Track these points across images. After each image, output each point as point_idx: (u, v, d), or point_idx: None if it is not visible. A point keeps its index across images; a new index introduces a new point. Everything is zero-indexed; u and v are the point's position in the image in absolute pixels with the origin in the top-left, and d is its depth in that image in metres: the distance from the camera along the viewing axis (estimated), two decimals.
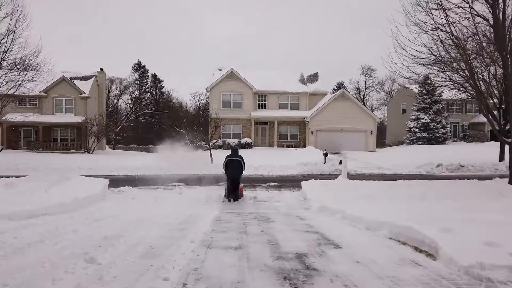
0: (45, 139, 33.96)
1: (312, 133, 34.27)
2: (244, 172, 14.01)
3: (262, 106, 36.53)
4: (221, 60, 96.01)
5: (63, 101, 35.31)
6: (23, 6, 19.03)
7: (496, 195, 11.00)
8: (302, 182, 14.45)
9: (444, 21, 12.81)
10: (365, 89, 69.93)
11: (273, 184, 16.86)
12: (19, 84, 20.97)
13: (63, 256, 5.31)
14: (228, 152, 13.95)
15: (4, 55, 19.50)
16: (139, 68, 66.05)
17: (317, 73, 40.44)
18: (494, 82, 14.36)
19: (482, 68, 13.91)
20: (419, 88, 38.06)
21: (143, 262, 5.15)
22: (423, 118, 38.48)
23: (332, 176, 17.58)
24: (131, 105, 62.88)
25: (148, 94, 67.06)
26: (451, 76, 14.70)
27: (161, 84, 67.74)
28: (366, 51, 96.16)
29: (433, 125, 38.19)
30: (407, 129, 40.20)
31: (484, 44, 13.20)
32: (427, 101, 39.02)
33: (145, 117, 60.98)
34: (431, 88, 36.59)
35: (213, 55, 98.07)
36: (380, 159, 26.60)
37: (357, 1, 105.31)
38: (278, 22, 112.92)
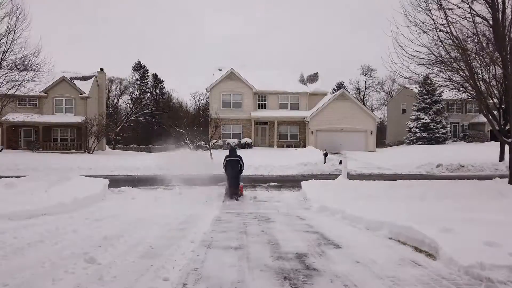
0: (45, 139, 33.96)
1: (312, 133, 34.27)
2: (244, 172, 14.51)
3: (262, 106, 36.52)
4: (221, 60, 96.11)
5: (63, 101, 35.31)
6: (23, 6, 19.05)
7: (496, 195, 11.00)
8: (302, 182, 14.45)
9: (444, 21, 12.83)
10: (365, 89, 69.99)
11: (273, 184, 16.86)
12: (19, 84, 20.95)
13: (63, 256, 5.31)
14: (227, 152, 14.29)
15: (4, 55, 19.49)
16: (140, 68, 66.06)
17: (317, 73, 40.44)
18: (494, 82, 14.36)
19: (482, 68, 13.91)
20: (419, 88, 38.06)
21: (143, 262, 5.15)
22: (423, 118, 38.47)
23: (332, 176, 17.59)
24: (131, 105, 62.89)
25: (148, 94, 67.06)
26: (451, 76, 14.71)
27: (162, 84, 67.78)
28: (366, 51, 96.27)
29: (433, 125, 38.19)
30: (407, 129, 40.20)
31: (484, 44, 13.20)
32: (427, 101, 39.02)
33: (145, 117, 60.98)
34: (431, 88, 36.58)
35: (213, 55, 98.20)
36: (380, 159, 26.60)
37: (357, 1, 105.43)
38: (278, 22, 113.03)
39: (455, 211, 8.25)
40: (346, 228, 7.87)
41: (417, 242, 5.90)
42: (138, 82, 65.65)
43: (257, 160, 22.70)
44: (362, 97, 68.18)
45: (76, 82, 36.24)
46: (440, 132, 38.27)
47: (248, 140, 34.03)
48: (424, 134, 38.23)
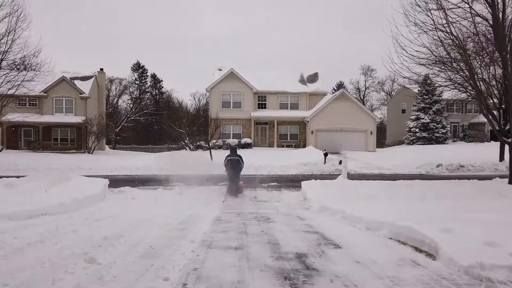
0: (45, 139, 33.96)
1: (312, 133, 34.27)
2: (244, 172, 15.05)
3: (262, 106, 36.52)
4: (221, 60, 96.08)
5: (63, 101, 35.31)
6: (23, 6, 19.05)
7: (496, 195, 11.01)
8: (302, 182, 14.45)
9: (444, 21, 12.83)
10: (365, 89, 70.01)
11: (273, 184, 16.87)
12: (19, 84, 20.97)
13: (63, 256, 5.31)
14: (228, 152, 14.92)
15: (4, 55, 19.50)
16: (138, 68, 66.06)
17: (317, 73, 40.44)
18: (494, 82, 14.36)
19: (482, 68, 13.92)
20: (419, 88, 38.06)
21: (143, 262, 5.16)
22: (423, 118, 38.48)
23: (332, 176, 17.59)
24: (131, 105, 62.93)
25: (148, 94, 67.10)
26: (451, 76, 14.72)
27: (161, 84, 67.80)
28: (366, 51, 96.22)
29: (433, 125, 38.19)
30: (407, 129, 40.21)
31: (484, 44, 13.20)
32: (427, 101, 39.02)
33: (145, 117, 61.01)
34: (431, 88, 36.59)
35: (213, 55, 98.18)
36: (380, 159, 26.60)
37: (357, 1, 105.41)
38: (278, 22, 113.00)
39: (455, 211, 8.25)
40: (346, 228, 7.87)
41: (417, 242, 5.90)
42: (137, 82, 65.67)
43: (257, 160, 22.70)
44: (362, 97, 68.20)
45: (76, 82, 36.25)
46: (440, 132, 38.28)
47: (248, 140, 34.03)
48: (424, 134, 38.24)
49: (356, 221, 8.16)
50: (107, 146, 44.21)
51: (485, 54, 13.20)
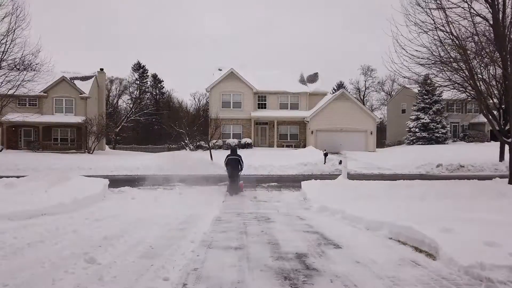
0: (45, 139, 33.96)
1: (312, 133, 34.26)
2: (244, 172, 15.38)
3: (262, 106, 36.52)
4: (221, 60, 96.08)
5: (63, 101, 35.31)
6: (23, 6, 19.04)
7: (496, 195, 11.00)
8: (302, 182, 14.46)
9: (444, 21, 12.82)
10: (365, 89, 69.99)
11: (273, 184, 16.86)
12: (19, 84, 20.95)
13: (63, 256, 5.31)
14: (229, 152, 15.38)
15: (3, 55, 19.49)
16: (139, 68, 66.06)
17: (317, 73, 40.43)
18: (494, 82, 14.36)
19: (482, 68, 13.91)
20: (419, 88, 38.05)
21: (143, 262, 5.16)
22: (423, 118, 38.47)
23: (332, 176, 17.59)
24: (131, 105, 62.93)
25: (148, 94, 67.10)
26: (450, 76, 14.71)
27: (161, 84, 67.83)
28: (366, 51, 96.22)
29: (433, 125, 38.18)
30: (407, 129, 40.20)
31: (484, 44, 13.20)
32: (427, 101, 39.02)
33: (145, 117, 61.02)
34: (431, 88, 36.58)
35: (213, 55, 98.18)
36: (380, 159, 26.60)
37: (358, 1, 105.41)
38: (278, 22, 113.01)
39: (455, 211, 8.25)
40: (346, 228, 7.87)
41: (417, 242, 5.90)
42: (138, 82, 65.68)
43: (257, 160, 22.70)
44: (362, 97, 68.19)
45: (76, 82, 36.25)
46: (440, 132, 38.27)
47: (248, 140, 34.03)
48: (424, 134, 38.23)
49: (356, 221, 8.16)
50: (107, 146, 44.21)
51: (485, 54, 13.19)
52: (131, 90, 65.28)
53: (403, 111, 45.36)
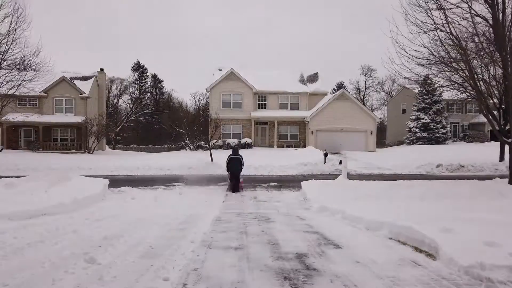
0: (45, 139, 33.96)
1: (312, 133, 34.26)
2: (244, 172, 15.87)
3: (262, 106, 36.52)
4: (221, 60, 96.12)
5: (63, 101, 35.31)
6: (24, 6, 19.06)
7: (496, 195, 10.99)
8: (302, 182, 14.46)
9: (444, 21, 12.81)
10: (365, 89, 70.00)
11: (273, 184, 16.86)
12: (19, 84, 20.96)
13: (63, 256, 5.31)
14: (229, 151, 16.05)
15: (4, 55, 19.50)
16: (139, 68, 66.06)
17: (317, 73, 40.41)
18: (494, 82, 14.35)
19: (482, 68, 13.91)
20: (419, 88, 38.03)
21: (143, 262, 5.16)
22: (423, 118, 38.46)
23: (332, 176, 17.59)
24: (131, 105, 62.93)
25: (148, 94, 67.11)
26: (450, 76, 14.71)
27: (161, 84, 67.81)
28: (366, 51, 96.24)
29: (433, 125, 38.18)
30: (407, 129, 40.20)
31: (484, 44, 13.19)
32: (427, 101, 39.01)
33: (145, 117, 61.02)
34: (431, 88, 36.57)
35: (213, 55, 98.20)
36: (380, 159, 26.59)
37: (358, 1, 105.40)
38: (278, 22, 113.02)
39: (455, 211, 8.25)
40: (346, 228, 7.87)
41: (417, 242, 5.90)
42: (138, 82, 65.67)
43: (257, 160, 22.69)
44: (362, 97, 68.20)
45: (76, 82, 36.25)
46: (440, 132, 38.27)
47: (248, 140, 34.03)
48: (424, 134, 38.22)
49: (356, 221, 8.16)
50: (107, 146, 44.21)
51: (485, 54, 13.19)
52: (131, 90, 65.35)
53: (403, 111, 45.36)
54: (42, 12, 76.62)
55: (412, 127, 39.25)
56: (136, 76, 65.63)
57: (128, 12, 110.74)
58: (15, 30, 18.89)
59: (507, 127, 14.68)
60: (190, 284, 4.31)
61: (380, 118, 50.11)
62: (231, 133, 35.69)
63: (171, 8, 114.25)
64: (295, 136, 36.23)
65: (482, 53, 13.26)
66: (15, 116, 29.86)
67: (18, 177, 13.06)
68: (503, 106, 15.75)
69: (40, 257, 5.24)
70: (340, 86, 68.06)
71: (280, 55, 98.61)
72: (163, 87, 68.16)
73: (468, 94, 16.03)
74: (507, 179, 13.61)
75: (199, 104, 63.46)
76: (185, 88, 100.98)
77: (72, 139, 35.62)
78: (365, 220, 7.82)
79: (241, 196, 13.83)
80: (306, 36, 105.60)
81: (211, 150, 25.47)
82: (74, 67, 77.66)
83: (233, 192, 14.44)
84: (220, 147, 32.67)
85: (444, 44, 13.47)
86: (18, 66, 21.57)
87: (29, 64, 21.27)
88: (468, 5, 12.50)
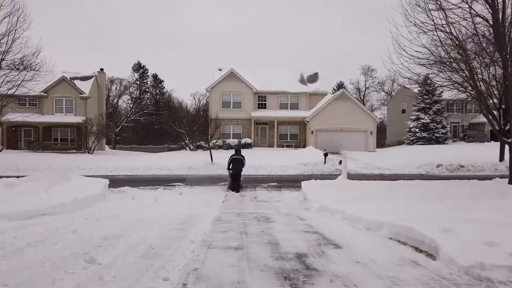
0: (45, 139, 33.96)
1: (312, 133, 34.26)
2: (244, 172, 15.79)
3: (262, 106, 36.51)
4: (221, 60, 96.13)
5: (63, 101, 35.30)
6: (24, 6, 19.05)
7: (496, 195, 10.99)
8: (302, 182, 14.46)
9: (444, 22, 12.82)
10: (365, 89, 69.99)
11: (273, 184, 16.86)
12: (19, 84, 20.96)
13: (63, 256, 5.31)
14: (229, 152, 16.62)
15: (4, 55, 19.50)
16: (139, 68, 66.08)
17: (317, 73, 40.41)
18: (494, 82, 14.35)
19: (482, 68, 13.90)
20: (419, 88, 38.04)
21: (143, 262, 5.16)
22: (423, 118, 38.46)
23: (332, 176, 17.58)
24: (131, 105, 62.94)
25: (148, 94, 67.13)
26: (451, 76, 14.71)
27: (161, 84, 67.84)
28: (366, 51, 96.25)
29: (433, 125, 38.17)
30: (407, 129, 40.19)
31: (484, 44, 13.19)
32: (427, 101, 39.01)
33: (145, 117, 61.02)
34: (431, 88, 36.58)
35: (213, 55, 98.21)
36: (380, 159, 26.59)
37: (358, 1, 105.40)
38: (278, 22, 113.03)
39: (455, 211, 8.25)
40: (346, 228, 7.87)
41: (417, 242, 5.90)
42: (138, 82, 65.69)
43: (257, 160, 22.67)
44: (362, 97, 68.19)
45: (76, 82, 36.24)
46: (440, 132, 38.26)
47: (248, 140, 34.03)
48: (424, 134, 38.22)
49: (356, 221, 8.16)
50: (107, 146, 44.21)
51: (485, 54, 13.19)
52: (131, 90, 65.37)
53: (403, 111, 45.36)
54: (42, 12, 76.65)
55: (412, 127, 39.25)
56: (137, 76, 65.69)
57: (128, 12, 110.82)
58: (15, 30, 18.91)
59: (507, 127, 14.68)
60: (190, 284, 4.31)
61: (380, 118, 50.12)
62: (231, 133, 35.69)
63: (171, 8, 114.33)
64: (295, 136, 36.23)
65: (482, 53, 13.26)
66: (15, 116, 29.86)
67: (18, 177, 13.06)
68: (503, 106, 15.75)
69: (40, 257, 5.24)
70: (340, 86, 68.06)
71: (280, 55, 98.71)
72: (163, 87, 68.24)
73: (468, 94, 16.02)
74: (507, 179, 13.61)
75: (199, 104, 63.52)
76: (185, 88, 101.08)
77: (72, 139, 35.61)
78: (365, 220, 7.82)
79: (241, 196, 13.83)
80: (306, 36, 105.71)
81: (211, 150, 25.45)
82: (74, 67, 77.74)
83: (234, 192, 14.61)
84: (220, 147, 32.66)
85: (444, 45, 13.47)
86: (18, 66, 21.58)
87: (29, 64, 21.30)
88: (469, 5, 12.51)
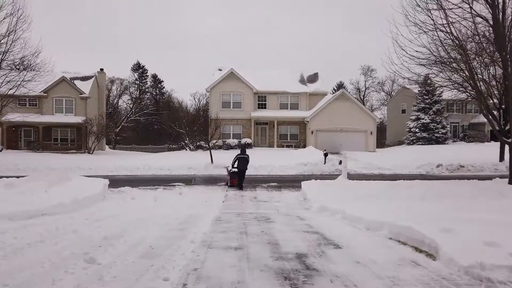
0: (45, 139, 33.96)
1: (312, 133, 34.26)
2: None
3: (262, 106, 36.52)
4: (221, 60, 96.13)
5: (63, 101, 35.30)
6: (24, 7, 19.06)
7: (496, 195, 10.99)
8: (302, 182, 14.46)
9: (444, 22, 12.82)
10: (365, 89, 69.98)
11: (273, 184, 16.87)
12: (19, 85, 20.97)
13: (63, 256, 5.31)
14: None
15: (4, 55, 19.51)
16: (138, 68, 66.08)
17: (317, 73, 40.42)
18: (494, 82, 14.35)
19: (482, 68, 13.90)
20: (419, 88, 38.03)
21: (143, 262, 5.16)
22: (423, 118, 38.46)
23: (332, 176, 17.59)
24: (131, 105, 62.94)
25: (148, 94, 67.14)
26: (450, 76, 14.71)
27: (161, 84, 67.85)
28: (366, 51, 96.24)
29: (433, 125, 38.17)
30: (407, 129, 40.19)
31: (484, 44, 13.19)
32: (427, 101, 39.01)
33: (145, 117, 61.03)
34: (431, 88, 36.56)
35: (213, 55, 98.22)
36: (380, 159, 26.59)
37: (358, 1, 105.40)
38: (278, 22, 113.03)
39: (455, 211, 8.25)
40: (346, 228, 7.87)
41: (417, 242, 5.90)
42: (138, 82, 65.69)
43: (257, 160, 22.66)
44: (362, 97, 68.19)
45: (76, 82, 36.24)
46: (440, 132, 38.26)
47: (248, 140, 34.02)
48: (424, 134, 38.22)
49: (356, 221, 8.16)
50: (107, 146, 44.21)
51: (485, 54, 13.19)
52: (131, 90, 65.37)
53: (403, 111, 45.36)
54: (42, 12, 76.64)
55: (412, 127, 39.25)
56: (136, 76, 65.69)
57: (128, 12, 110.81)
58: (15, 31, 18.91)
59: (507, 127, 14.68)
60: (190, 284, 4.31)
61: (380, 118, 50.12)
62: (231, 133, 35.69)
63: (171, 8, 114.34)
64: (295, 136, 36.23)
65: (482, 53, 13.26)
66: (15, 116, 29.84)
67: (18, 177, 13.06)
68: (503, 106, 15.75)
69: (40, 257, 5.24)
70: (340, 86, 68.06)
71: (280, 55, 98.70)
72: (163, 87, 68.24)
73: (468, 94, 16.02)
74: (507, 179, 13.61)
75: (199, 104, 63.51)
76: (185, 88, 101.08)
77: (72, 139, 35.61)
78: (365, 220, 7.82)
79: (241, 196, 13.83)
80: (306, 36, 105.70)
81: (211, 150, 25.44)
82: (74, 67, 77.70)
83: (239, 190, 15.16)
84: (220, 147, 32.66)
85: (444, 45, 13.48)
86: (18, 67, 21.58)
87: (29, 65, 21.31)
88: (469, 5, 12.51)
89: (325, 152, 25.51)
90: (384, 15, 14.54)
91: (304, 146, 33.92)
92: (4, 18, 18.68)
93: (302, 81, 38.30)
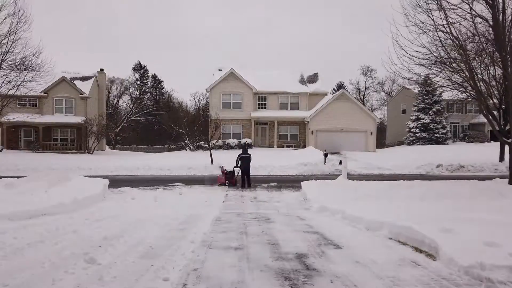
0: (45, 139, 33.96)
1: (312, 133, 34.26)
2: None
3: (262, 106, 36.52)
4: (221, 60, 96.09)
5: (63, 101, 35.31)
6: (25, 7, 19.07)
7: (496, 196, 10.99)
8: (302, 183, 14.46)
9: (444, 22, 12.83)
10: (365, 89, 69.97)
11: (273, 184, 16.87)
12: (19, 85, 20.97)
13: (63, 256, 5.31)
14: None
15: (4, 55, 19.51)
16: (140, 68, 66.10)
17: (317, 73, 40.42)
18: (494, 83, 14.35)
19: (482, 68, 13.91)
20: (419, 89, 38.03)
21: (143, 262, 5.16)
22: (423, 119, 38.46)
23: (332, 177, 17.58)
24: (131, 106, 62.94)
25: (148, 94, 67.16)
26: (451, 77, 14.71)
27: (161, 84, 67.87)
28: (366, 51, 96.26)
29: (433, 126, 38.17)
30: (407, 130, 40.19)
31: (484, 45, 13.20)
32: (427, 101, 39.01)
33: (145, 117, 61.03)
34: (431, 88, 36.57)
35: (213, 55, 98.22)
36: (380, 159, 26.58)
37: (358, 1, 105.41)
38: (278, 22, 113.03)
39: (455, 211, 8.25)
40: (346, 228, 7.87)
41: (417, 242, 5.90)
42: (138, 82, 65.72)
43: (257, 160, 22.61)
44: (362, 97, 68.18)
45: (76, 82, 36.24)
46: (440, 133, 38.26)
47: (248, 140, 34.01)
48: (424, 135, 38.22)
49: (356, 221, 8.16)
50: (107, 146, 44.21)
51: (485, 55, 13.20)
52: (131, 90, 65.39)
53: (403, 111, 45.36)
54: (42, 12, 76.61)
55: (412, 127, 39.25)
56: (137, 76, 65.74)
57: (128, 12, 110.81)
58: (16, 31, 18.92)
59: (507, 127, 14.68)
60: (190, 284, 4.31)
61: (380, 118, 50.11)
62: (231, 133, 35.69)
63: (171, 8, 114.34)
64: (295, 136, 36.23)
65: (482, 54, 13.26)
66: (15, 116, 29.85)
67: (18, 177, 13.06)
68: (503, 106, 15.75)
69: (40, 257, 5.24)
70: (340, 86, 68.06)
71: (280, 55, 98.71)
72: (163, 87, 68.27)
73: (468, 94, 16.03)
74: (507, 179, 13.61)
75: (199, 104, 63.51)
76: (185, 88, 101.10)
77: (72, 139, 35.61)
78: (365, 220, 7.82)
79: (241, 196, 13.83)
80: (306, 36, 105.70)
81: (211, 150, 25.43)
82: (74, 68, 77.61)
83: (243, 188, 15.79)
84: (220, 147, 32.65)
85: (444, 45, 13.48)
86: (18, 67, 21.58)
87: (30, 65, 21.30)
88: (469, 5, 12.51)
89: (325, 152, 25.51)
90: (384, 15, 14.56)
91: (304, 146, 33.92)
92: (5, 19, 18.71)
93: (302, 81, 38.30)
